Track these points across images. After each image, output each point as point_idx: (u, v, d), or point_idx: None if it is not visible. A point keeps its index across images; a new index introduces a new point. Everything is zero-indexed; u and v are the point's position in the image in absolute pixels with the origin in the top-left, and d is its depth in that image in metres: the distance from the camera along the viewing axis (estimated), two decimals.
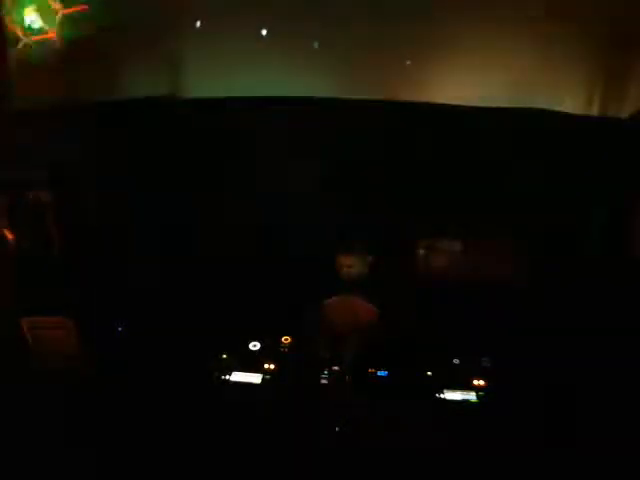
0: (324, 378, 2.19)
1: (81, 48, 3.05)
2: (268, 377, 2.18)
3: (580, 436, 1.99)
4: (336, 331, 2.47)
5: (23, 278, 2.56)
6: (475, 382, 2.16)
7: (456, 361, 2.27)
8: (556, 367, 2.25)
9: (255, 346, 2.34)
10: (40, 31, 3.00)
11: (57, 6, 2.97)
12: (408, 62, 3.15)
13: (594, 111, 2.99)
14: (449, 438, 1.96)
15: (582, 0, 2.93)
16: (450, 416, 2.07)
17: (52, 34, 3.00)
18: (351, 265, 2.45)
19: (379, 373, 2.22)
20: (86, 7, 2.99)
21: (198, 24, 3.23)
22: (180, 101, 3.22)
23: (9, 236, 2.66)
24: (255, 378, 2.18)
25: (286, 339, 2.38)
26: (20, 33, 2.96)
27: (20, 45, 2.96)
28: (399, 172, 2.93)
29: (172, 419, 2.15)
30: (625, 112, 2.86)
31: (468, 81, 3.07)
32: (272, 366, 2.23)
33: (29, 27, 2.99)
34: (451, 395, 2.12)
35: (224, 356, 2.26)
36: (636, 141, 2.66)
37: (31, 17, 3.00)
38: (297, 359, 2.29)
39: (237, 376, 2.18)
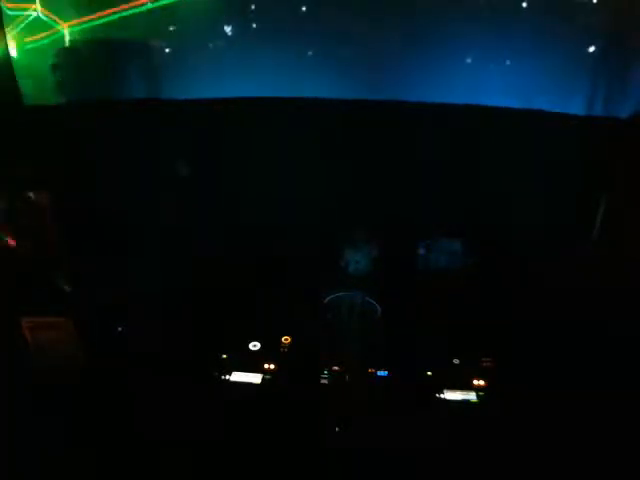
0: (324, 378, 2.19)
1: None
2: (268, 377, 2.18)
3: (580, 436, 1.99)
4: (336, 329, 2.48)
5: (23, 278, 2.56)
6: (475, 382, 2.16)
7: (456, 361, 2.27)
8: (556, 367, 2.25)
9: (255, 346, 2.34)
10: None
11: None
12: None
13: (594, 111, 2.99)
14: (449, 438, 1.96)
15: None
16: (450, 416, 2.07)
17: None
18: (357, 261, 2.47)
19: (379, 373, 2.23)
20: None
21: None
22: (179, 101, 3.23)
23: (9, 236, 2.66)
24: (255, 378, 2.18)
25: (286, 339, 2.38)
26: None
27: None
28: (399, 171, 2.93)
29: (172, 419, 2.15)
30: (625, 112, 2.86)
31: (467, 81, 3.07)
32: (272, 366, 2.23)
33: None
34: (451, 395, 2.12)
35: (224, 356, 2.26)
36: (636, 141, 2.66)
37: None
38: (297, 359, 2.29)
39: (237, 376, 2.18)
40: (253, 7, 3.24)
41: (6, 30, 3.22)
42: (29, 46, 3.33)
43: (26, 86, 3.28)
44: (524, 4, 3.06)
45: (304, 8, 3.18)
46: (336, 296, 2.58)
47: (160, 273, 2.84)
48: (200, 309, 2.61)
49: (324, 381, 2.19)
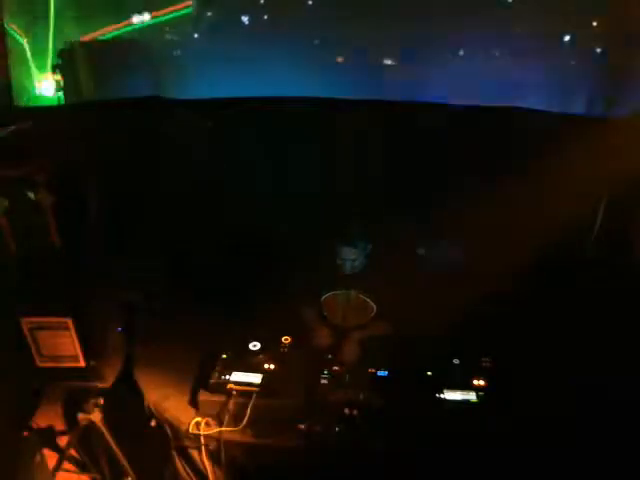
0: (324, 378, 2.19)
1: None
2: (268, 377, 2.17)
3: (580, 436, 1.99)
4: (335, 327, 2.48)
5: (23, 278, 2.56)
6: (475, 382, 2.16)
7: (456, 361, 2.27)
8: (556, 367, 2.25)
9: (255, 346, 2.34)
10: None
11: None
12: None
13: (594, 111, 3.00)
14: (449, 438, 1.96)
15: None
16: (450, 416, 2.07)
17: None
18: (354, 259, 2.47)
19: (379, 373, 2.22)
20: None
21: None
22: (181, 101, 3.24)
23: (9, 236, 2.66)
24: (255, 378, 2.17)
25: (286, 339, 2.38)
26: None
27: None
28: (397, 170, 2.93)
29: (171, 419, 2.15)
30: (624, 112, 2.86)
31: (466, 80, 3.08)
32: (272, 366, 2.23)
33: None
34: (451, 395, 2.12)
35: (224, 356, 2.26)
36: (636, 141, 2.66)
37: None
38: (297, 359, 2.29)
39: (237, 376, 2.18)
40: (262, 1, 3.27)
41: None
42: None
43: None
44: (524, 4, 3.08)
45: (310, 2, 3.21)
46: (333, 294, 2.59)
47: (160, 273, 2.84)
48: (200, 309, 2.61)
49: (324, 381, 2.18)
